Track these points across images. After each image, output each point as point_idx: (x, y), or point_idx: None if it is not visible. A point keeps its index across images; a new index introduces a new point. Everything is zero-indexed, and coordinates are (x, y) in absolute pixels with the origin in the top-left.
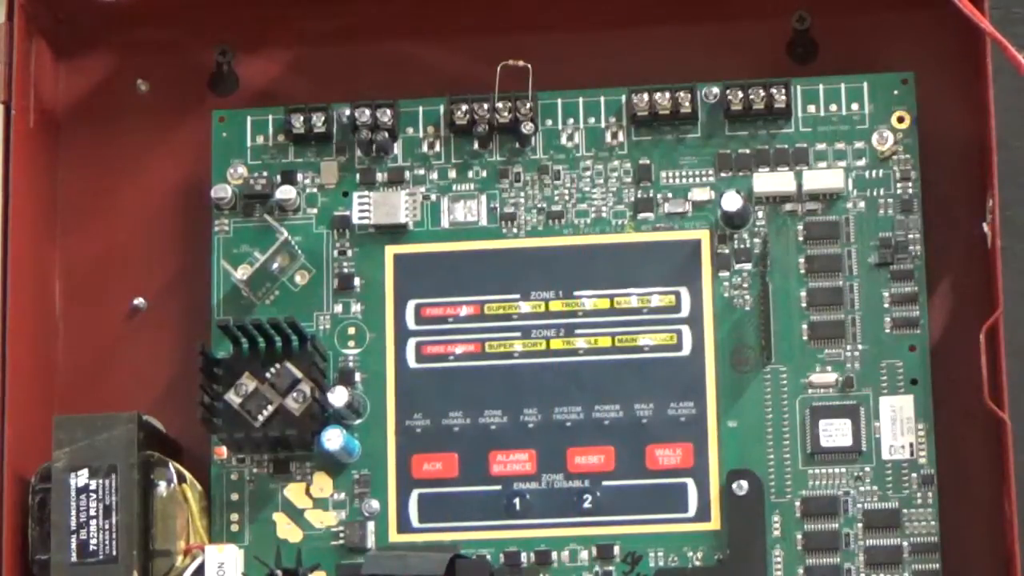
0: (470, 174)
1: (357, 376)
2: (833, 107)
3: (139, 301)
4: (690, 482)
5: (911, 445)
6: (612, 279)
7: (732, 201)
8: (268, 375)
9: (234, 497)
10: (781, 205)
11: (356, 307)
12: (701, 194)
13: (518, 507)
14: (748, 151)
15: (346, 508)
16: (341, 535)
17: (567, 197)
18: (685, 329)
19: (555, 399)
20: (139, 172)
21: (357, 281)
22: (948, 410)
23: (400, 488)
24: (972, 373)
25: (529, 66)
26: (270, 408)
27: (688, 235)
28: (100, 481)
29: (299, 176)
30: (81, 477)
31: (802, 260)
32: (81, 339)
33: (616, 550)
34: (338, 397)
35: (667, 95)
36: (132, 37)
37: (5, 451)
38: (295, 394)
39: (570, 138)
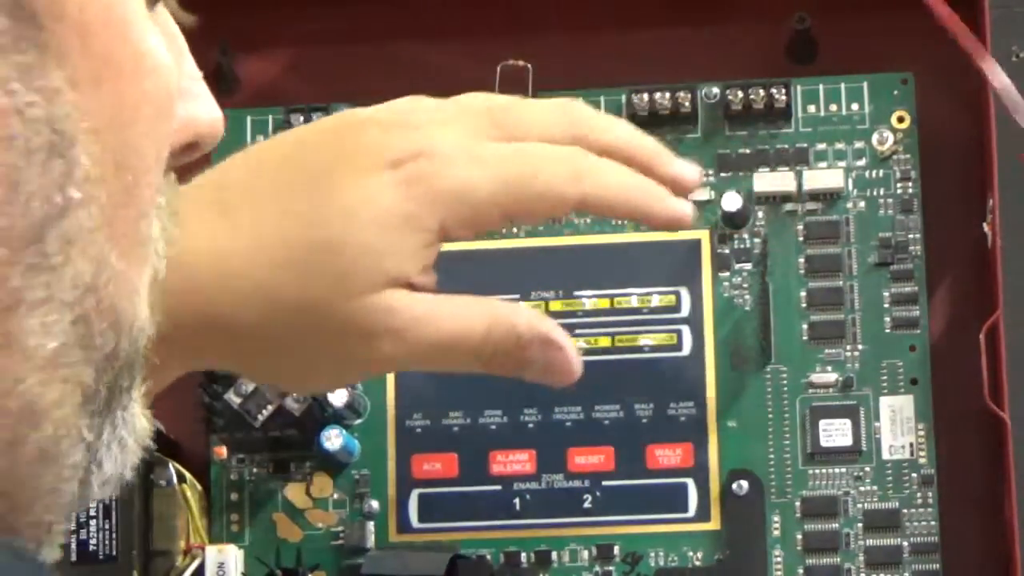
0: None
1: None
2: (833, 107)
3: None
4: (690, 482)
5: (911, 445)
6: (612, 279)
7: (732, 201)
8: None
9: (234, 497)
10: (781, 205)
11: None
12: (701, 194)
13: (518, 507)
14: (748, 151)
15: (346, 508)
16: (341, 535)
17: None
18: (685, 329)
19: (555, 399)
20: None
21: None
22: (948, 410)
23: (400, 488)
24: (972, 373)
25: (529, 66)
26: (270, 408)
27: (688, 235)
28: None
29: None
30: None
31: (802, 260)
32: None
33: (616, 550)
34: (338, 397)
35: (667, 95)
36: None
37: None
38: (295, 394)
39: None
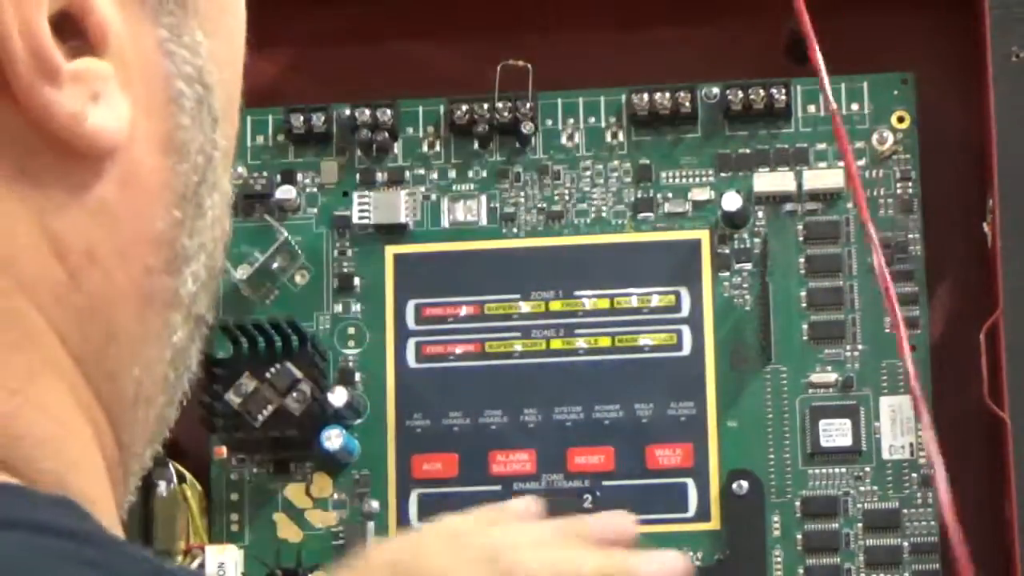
0: (470, 174)
1: (357, 376)
2: (833, 107)
3: None
4: (690, 482)
5: (911, 445)
6: (612, 279)
7: (732, 201)
8: (268, 375)
9: (234, 497)
10: (781, 205)
11: (356, 307)
12: (701, 194)
13: None
14: (748, 151)
15: (346, 508)
16: (341, 535)
17: (567, 197)
18: (685, 329)
19: (555, 399)
20: None
21: (357, 281)
22: (948, 410)
23: (400, 488)
24: (972, 373)
25: (529, 66)
26: (270, 408)
27: (688, 235)
28: None
29: (299, 176)
30: None
31: (802, 260)
32: None
33: None
34: (338, 397)
35: (667, 95)
36: None
37: None
38: (295, 394)
39: (570, 138)
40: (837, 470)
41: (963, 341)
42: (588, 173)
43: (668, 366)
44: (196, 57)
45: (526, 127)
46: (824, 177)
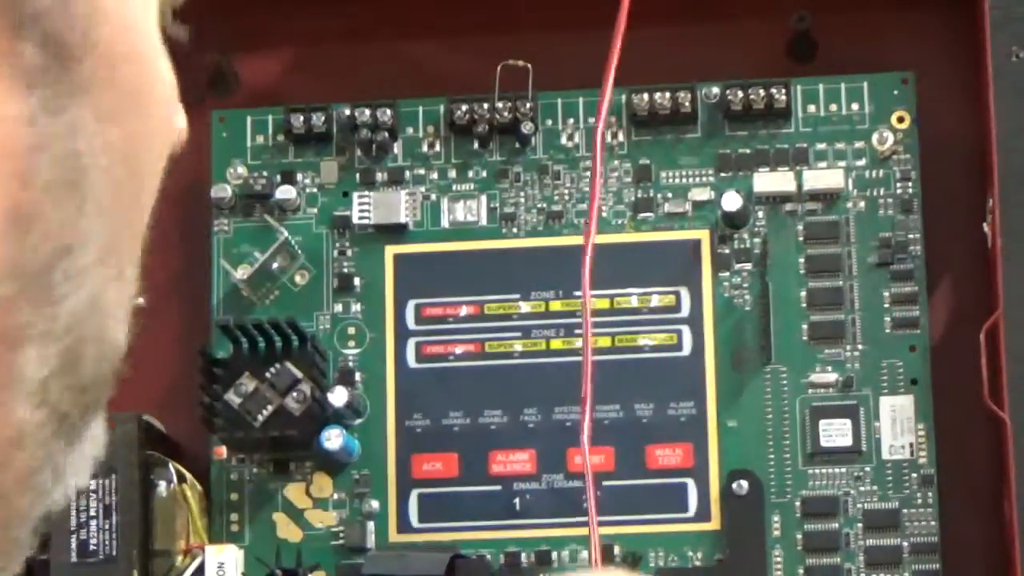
0: (470, 174)
1: (357, 376)
2: (833, 107)
3: (139, 301)
4: (690, 482)
5: (911, 445)
6: (612, 279)
7: (732, 201)
8: (268, 375)
9: (234, 497)
10: (781, 205)
11: (356, 307)
12: (701, 194)
13: (518, 507)
14: (748, 151)
15: (346, 508)
16: (341, 535)
17: (567, 197)
18: (685, 329)
19: (555, 399)
20: None
21: (357, 281)
22: (948, 410)
23: (400, 488)
24: (972, 373)
25: (529, 66)
26: (270, 408)
27: (688, 235)
28: (100, 481)
29: (299, 176)
30: None
31: (802, 260)
32: None
33: (616, 550)
34: (338, 397)
35: (667, 95)
36: None
37: None
38: (295, 394)
39: (570, 138)
40: (837, 470)
41: (963, 341)
42: (588, 173)
43: (668, 366)
44: (73, 138)
45: (526, 127)
46: (824, 177)
